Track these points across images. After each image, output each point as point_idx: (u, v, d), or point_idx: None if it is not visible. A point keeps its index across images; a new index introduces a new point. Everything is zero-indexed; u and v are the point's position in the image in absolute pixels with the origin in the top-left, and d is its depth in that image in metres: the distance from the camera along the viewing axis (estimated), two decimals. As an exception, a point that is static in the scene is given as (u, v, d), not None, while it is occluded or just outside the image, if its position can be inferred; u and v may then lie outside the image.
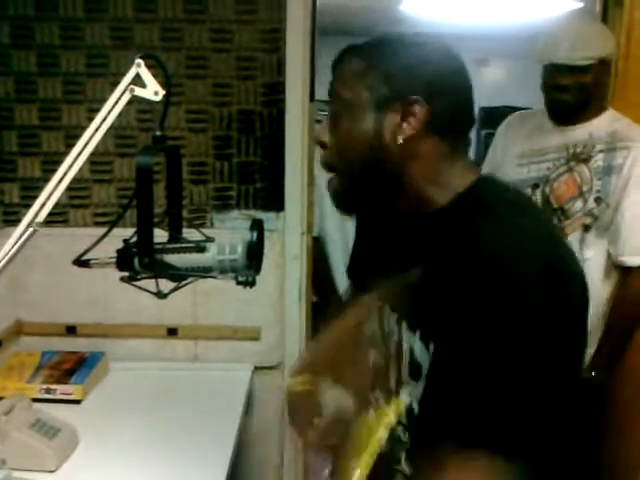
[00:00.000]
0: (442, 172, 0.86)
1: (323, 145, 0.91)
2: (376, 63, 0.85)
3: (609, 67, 1.68)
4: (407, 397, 0.87)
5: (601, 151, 1.63)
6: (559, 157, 1.68)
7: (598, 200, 1.62)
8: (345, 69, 0.88)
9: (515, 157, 1.77)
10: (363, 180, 0.88)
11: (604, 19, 1.99)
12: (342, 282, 2.13)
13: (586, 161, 1.64)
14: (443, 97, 0.84)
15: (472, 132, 0.91)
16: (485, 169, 1.94)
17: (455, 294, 0.76)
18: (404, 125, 0.83)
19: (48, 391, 1.53)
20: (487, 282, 0.73)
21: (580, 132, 1.67)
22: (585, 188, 1.63)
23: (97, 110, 0.97)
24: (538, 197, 1.72)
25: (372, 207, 0.95)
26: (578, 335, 0.79)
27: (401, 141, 0.83)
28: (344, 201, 0.93)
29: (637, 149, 1.58)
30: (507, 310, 0.72)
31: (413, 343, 0.85)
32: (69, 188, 0.98)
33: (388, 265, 0.98)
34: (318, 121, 1.69)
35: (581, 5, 3.51)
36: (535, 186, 1.73)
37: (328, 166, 0.91)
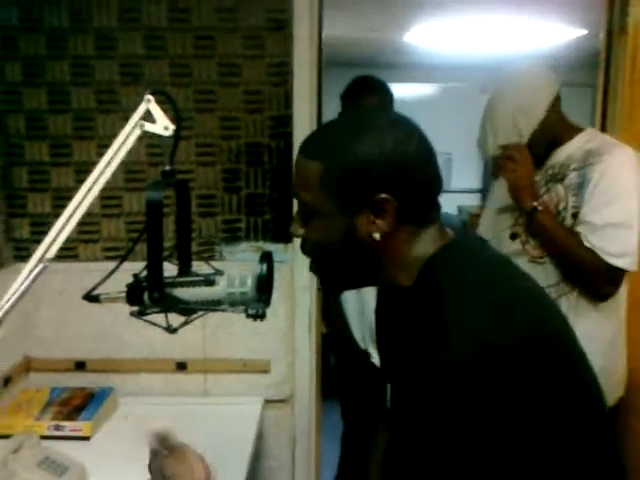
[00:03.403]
0: (409, 252, 0.86)
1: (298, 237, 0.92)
2: (334, 166, 0.83)
3: (556, 106, 1.68)
4: None
5: (575, 169, 1.66)
6: (538, 180, 1.71)
7: (575, 216, 1.64)
8: (304, 172, 0.86)
9: (503, 186, 1.78)
10: (342, 271, 0.91)
11: (609, 46, 2.00)
12: (351, 311, 2.12)
13: (561, 180, 1.68)
14: (408, 184, 0.83)
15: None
16: (488, 202, 1.97)
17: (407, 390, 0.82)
18: (377, 223, 0.84)
19: (57, 428, 1.51)
20: (429, 381, 0.75)
21: (557, 156, 1.72)
22: (561, 206, 1.66)
23: (107, 146, 0.98)
24: (521, 220, 1.74)
25: (354, 287, 0.98)
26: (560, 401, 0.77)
27: (378, 238, 0.84)
28: (329, 288, 1.00)
29: (606, 162, 1.61)
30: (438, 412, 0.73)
31: None
32: (79, 223, 0.98)
33: (384, 336, 1.03)
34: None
35: (585, 32, 3.55)
36: (521, 210, 1.73)
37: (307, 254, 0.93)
